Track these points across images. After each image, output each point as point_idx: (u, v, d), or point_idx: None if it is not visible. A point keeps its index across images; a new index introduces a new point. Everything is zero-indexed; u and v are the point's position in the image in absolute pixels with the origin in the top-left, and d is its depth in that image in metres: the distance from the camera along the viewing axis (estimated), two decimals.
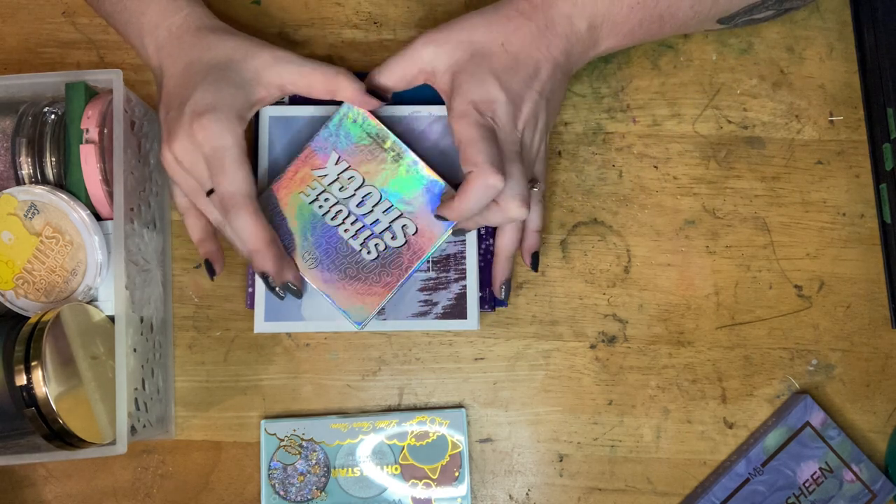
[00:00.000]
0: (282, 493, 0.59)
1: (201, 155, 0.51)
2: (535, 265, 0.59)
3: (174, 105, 0.52)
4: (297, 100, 0.61)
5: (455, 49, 0.53)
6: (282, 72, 0.54)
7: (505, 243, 0.57)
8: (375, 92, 0.55)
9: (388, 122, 0.57)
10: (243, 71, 0.53)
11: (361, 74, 0.56)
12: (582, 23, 0.54)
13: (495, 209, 0.52)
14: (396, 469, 0.60)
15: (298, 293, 0.55)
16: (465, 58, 0.53)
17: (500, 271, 0.58)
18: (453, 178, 0.56)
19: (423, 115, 0.58)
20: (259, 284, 0.58)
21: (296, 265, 0.55)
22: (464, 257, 0.58)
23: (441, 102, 0.58)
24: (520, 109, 0.53)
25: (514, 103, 0.52)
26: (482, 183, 0.49)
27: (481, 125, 0.51)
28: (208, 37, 0.54)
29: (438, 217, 0.54)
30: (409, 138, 0.58)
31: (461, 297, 0.58)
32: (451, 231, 0.56)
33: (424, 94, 0.57)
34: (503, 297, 0.58)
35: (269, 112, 0.59)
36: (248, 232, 0.51)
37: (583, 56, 0.56)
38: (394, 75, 0.55)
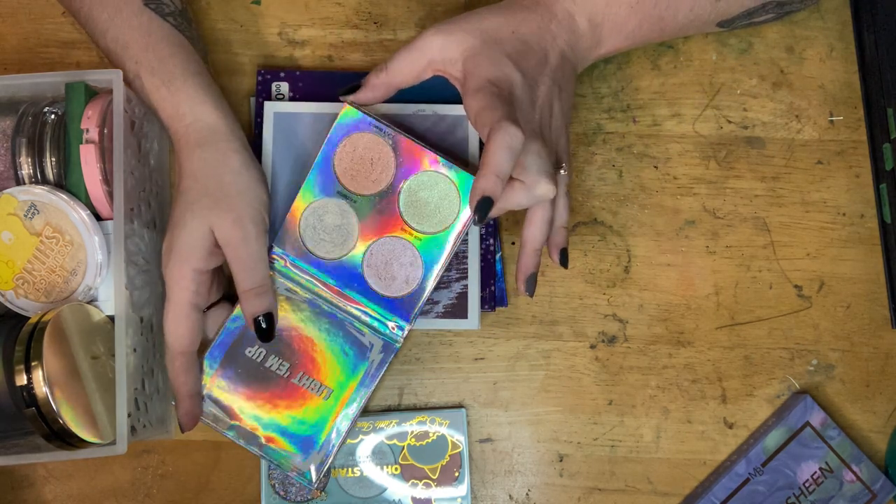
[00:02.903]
0: (282, 493, 0.59)
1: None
2: (564, 261, 0.55)
3: (174, 210, 0.54)
4: (298, 97, 0.61)
5: (466, 36, 0.53)
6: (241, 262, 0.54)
7: (533, 234, 0.53)
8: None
9: (392, 121, 0.57)
10: (217, 239, 0.53)
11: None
12: (583, 20, 0.54)
13: (520, 188, 0.48)
14: (396, 469, 0.60)
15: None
16: (478, 43, 0.52)
17: (526, 264, 0.54)
18: None
19: (427, 114, 0.58)
20: None
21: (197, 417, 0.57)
22: (465, 257, 0.58)
23: (445, 101, 0.58)
24: (535, 92, 0.52)
25: (530, 86, 0.52)
26: (503, 133, 0.45)
27: (496, 94, 0.49)
28: (226, 170, 0.54)
29: (477, 209, 0.46)
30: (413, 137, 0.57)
31: (462, 297, 0.58)
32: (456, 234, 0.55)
33: (428, 93, 0.57)
34: (528, 292, 0.55)
35: (274, 108, 0.59)
36: (175, 386, 0.55)
37: (586, 54, 0.56)
38: (402, 70, 0.54)
